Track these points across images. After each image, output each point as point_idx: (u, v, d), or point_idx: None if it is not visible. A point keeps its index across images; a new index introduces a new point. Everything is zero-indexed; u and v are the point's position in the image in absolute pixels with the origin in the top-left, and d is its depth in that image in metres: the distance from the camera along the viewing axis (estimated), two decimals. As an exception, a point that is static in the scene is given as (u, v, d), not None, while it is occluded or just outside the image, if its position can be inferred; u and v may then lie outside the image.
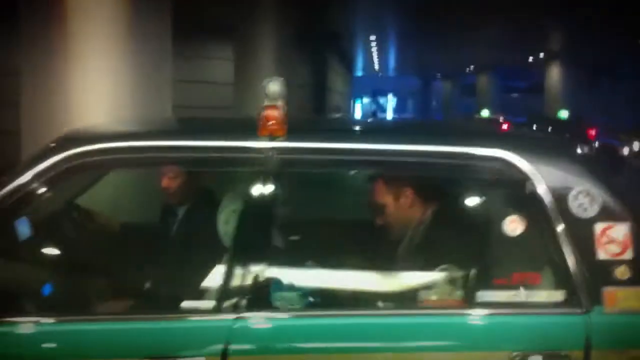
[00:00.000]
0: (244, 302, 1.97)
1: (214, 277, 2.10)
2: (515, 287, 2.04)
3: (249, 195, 2.11)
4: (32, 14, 5.38)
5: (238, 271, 2.00)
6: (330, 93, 25.32)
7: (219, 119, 3.06)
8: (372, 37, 24.66)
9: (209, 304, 2.05)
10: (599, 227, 2.01)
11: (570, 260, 1.99)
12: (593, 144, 17.40)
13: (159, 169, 2.84)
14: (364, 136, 2.35)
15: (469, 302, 2.06)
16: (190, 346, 1.92)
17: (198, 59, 13.89)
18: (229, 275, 2.01)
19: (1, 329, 1.93)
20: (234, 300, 1.97)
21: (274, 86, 2.05)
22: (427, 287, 2.14)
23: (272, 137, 2.09)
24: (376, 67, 36.69)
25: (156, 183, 2.95)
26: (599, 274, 1.98)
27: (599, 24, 17.06)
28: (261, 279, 2.01)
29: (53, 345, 1.94)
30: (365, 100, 46.30)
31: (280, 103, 2.08)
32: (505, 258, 2.12)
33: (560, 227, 2.00)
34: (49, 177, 2.06)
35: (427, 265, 2.19)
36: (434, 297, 2.11)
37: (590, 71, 26.37)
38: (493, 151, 2.08)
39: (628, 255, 1.99)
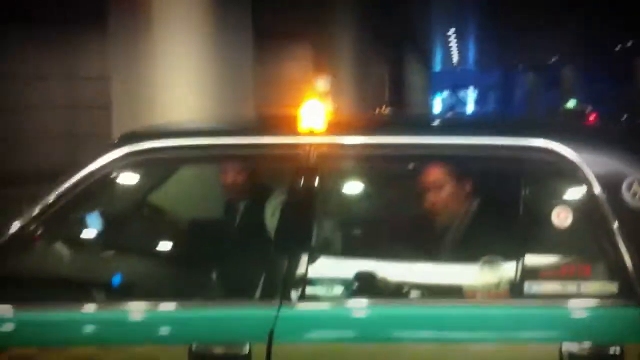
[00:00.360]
0: (288, 291, 2.03)
1: (263, 267, 2.18)
2: (566, 278, 2.00)
3: (292, 190, 2.18)
4: (120, 23, 5.75)
5: (283, 261, 2.08)
6: (407, 88, 25.16)
7: (271, 116, 3.21)
8: (451, 30, 24.37)
9: (254, 292, 2.13)
10: None
11: (625, 252, 1.95)
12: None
13: (218, 166, 2.98)
14: (407, 130, 2.35)
15: (518, 293, 2.03)
16: (236, 332, 1.99)
17: (277, 60, 14.18)
18: (275, 265, 2.11)
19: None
20: (279, 289, 2.04)
21: (321, 83, 2.18)
22: (476, 277, 2.13)
23: (314, 133, 2.18)
24: (455, 60, 36.13)
25: (213, 180, 3.12)
26: None
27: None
28: (306, 268, 2.06)
29: (97, 328, 2.06)
30: (445, 94, 45.57)
31: (325, 100, 2.20)
32: (555, 249, 2.08)
33: (612, 218, 1.97)
34: (108, 173, 2.17)
35: (474, 255, 2.18)
36: (482, 288, 2.10)
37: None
38: (540, 141, 2.08)
39: None
